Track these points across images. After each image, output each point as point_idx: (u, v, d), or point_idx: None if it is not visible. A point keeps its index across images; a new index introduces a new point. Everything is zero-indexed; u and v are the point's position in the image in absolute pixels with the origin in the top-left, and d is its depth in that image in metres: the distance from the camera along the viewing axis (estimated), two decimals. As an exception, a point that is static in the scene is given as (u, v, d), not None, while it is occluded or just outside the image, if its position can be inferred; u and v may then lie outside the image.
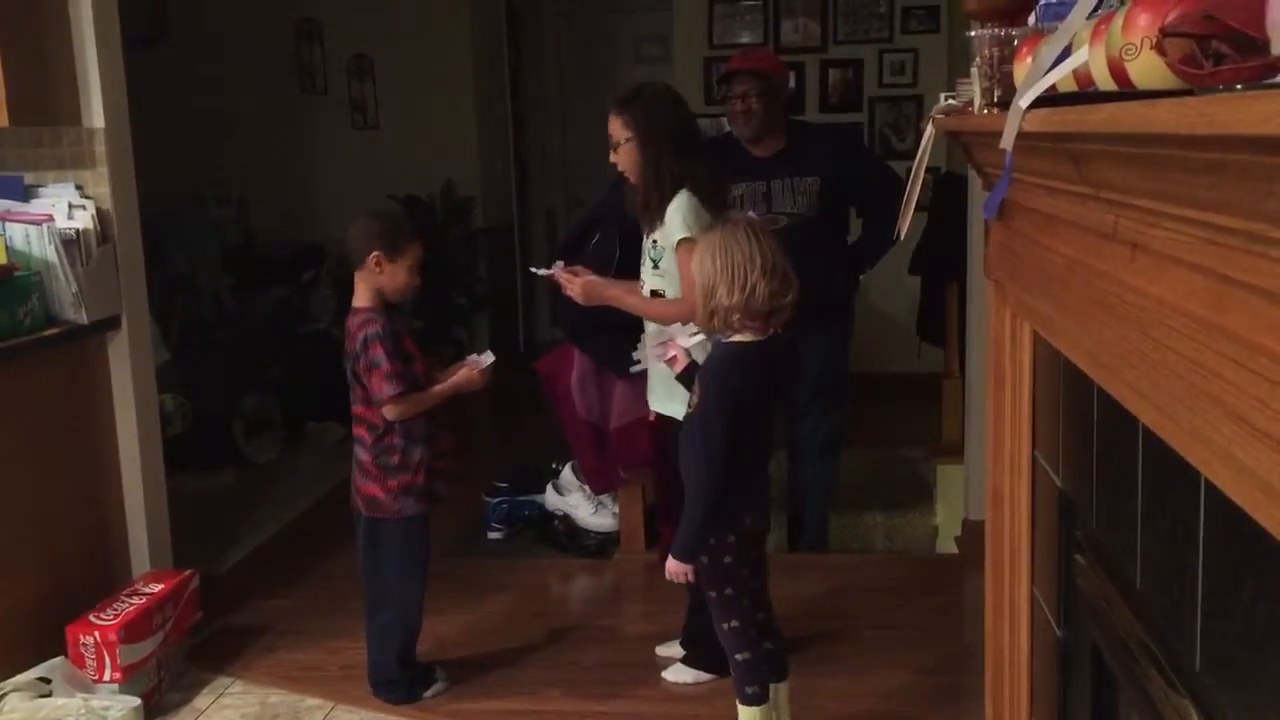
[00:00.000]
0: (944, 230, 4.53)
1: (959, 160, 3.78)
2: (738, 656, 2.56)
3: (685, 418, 2.58)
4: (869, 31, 6.22)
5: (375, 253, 2.82)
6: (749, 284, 2.39)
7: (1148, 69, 0.98)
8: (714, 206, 2.85)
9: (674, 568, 2.50)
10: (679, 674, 3.09)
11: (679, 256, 2.80)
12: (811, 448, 4.07)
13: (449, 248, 6.03)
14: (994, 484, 2.11)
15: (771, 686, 2.58)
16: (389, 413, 2.82)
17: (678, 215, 2.81)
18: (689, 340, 2.68)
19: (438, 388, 2.90)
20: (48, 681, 2.80)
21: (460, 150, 6.40)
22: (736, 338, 2.46)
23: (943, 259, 4.57)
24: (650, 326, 3.01)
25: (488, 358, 2.98)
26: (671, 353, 2.70)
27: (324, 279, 5.82)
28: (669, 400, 2.95)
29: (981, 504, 2.44)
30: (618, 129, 2.88)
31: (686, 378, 2.63)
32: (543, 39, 7.56)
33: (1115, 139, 1.03)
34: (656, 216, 2.86)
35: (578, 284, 3.00)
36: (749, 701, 2.54)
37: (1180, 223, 0.98)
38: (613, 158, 2.91)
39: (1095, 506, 1.53)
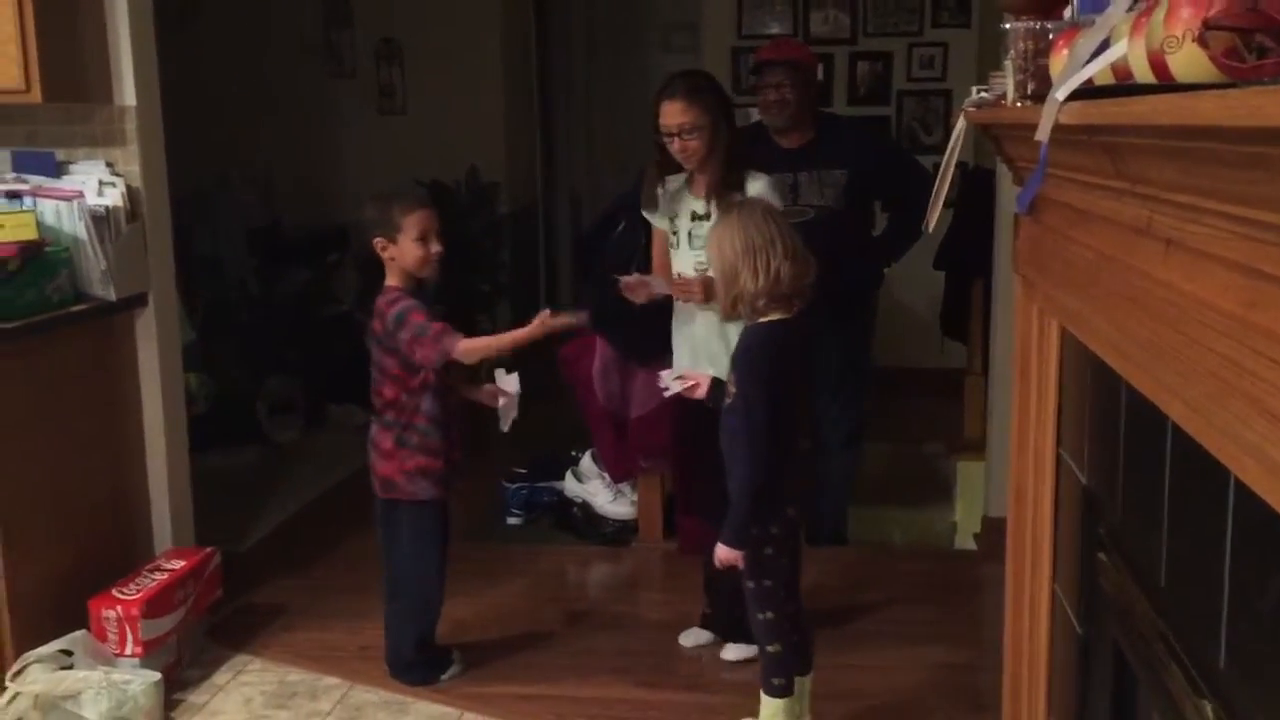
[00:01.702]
0: (970, 225, 4.51)
1: (987, 154, 3.76)
2: (769, 649, 2.54)
3: (725, 409, 2.56)
4: (899, 24, 6.19)
5: (376, 239, 2.83)
6: (772, 268, 2.37)
7: (1189, 62, 0.98)
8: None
9: (724, 555, 2.47)
10: (739, 651, 3.05)
11: None
12: (832, 441, 4.06)
13: (473, 234, 6.04)
14: (1017, 480, 2.10)
15: (796, 680, 2.57)
16: (465, 355, 2.78)
17: (768, 194, 2.86)
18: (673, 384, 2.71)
19: (507, 335, 2.88)
20: (69, 654, 2.83)
21: (486, 136, 6.39)
22: (766, 318, 2.44)
23: (968, 254, 4.55)
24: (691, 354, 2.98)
25: (513, 384, 2.91)
26: (691, 381, 2.70)
27: (348, 262, 5.83)
28: (705, 364, 2.93)
29: (1003, 500, 2.43)
30: (693, 117, 2.87)
31: (716, 396, 2.62)
32: (570, 26, 7.55)
33: (1156, 131, 1.02)
34: (730, 196, 2.86)
35: (697, 283, 2.88)
36: (775, 693, 2.53)
37: (1217, 218, 0.97)
38: (676, 145, 2.91)
39: (1120, 503, 1.52)
